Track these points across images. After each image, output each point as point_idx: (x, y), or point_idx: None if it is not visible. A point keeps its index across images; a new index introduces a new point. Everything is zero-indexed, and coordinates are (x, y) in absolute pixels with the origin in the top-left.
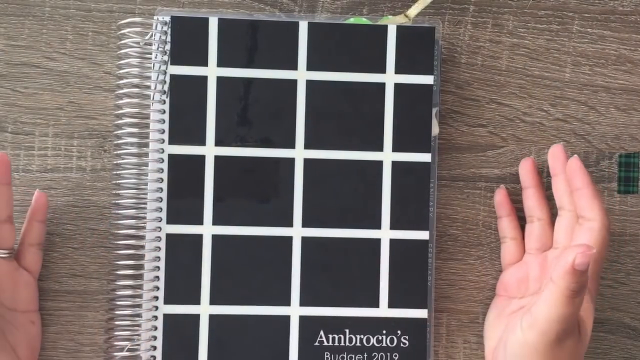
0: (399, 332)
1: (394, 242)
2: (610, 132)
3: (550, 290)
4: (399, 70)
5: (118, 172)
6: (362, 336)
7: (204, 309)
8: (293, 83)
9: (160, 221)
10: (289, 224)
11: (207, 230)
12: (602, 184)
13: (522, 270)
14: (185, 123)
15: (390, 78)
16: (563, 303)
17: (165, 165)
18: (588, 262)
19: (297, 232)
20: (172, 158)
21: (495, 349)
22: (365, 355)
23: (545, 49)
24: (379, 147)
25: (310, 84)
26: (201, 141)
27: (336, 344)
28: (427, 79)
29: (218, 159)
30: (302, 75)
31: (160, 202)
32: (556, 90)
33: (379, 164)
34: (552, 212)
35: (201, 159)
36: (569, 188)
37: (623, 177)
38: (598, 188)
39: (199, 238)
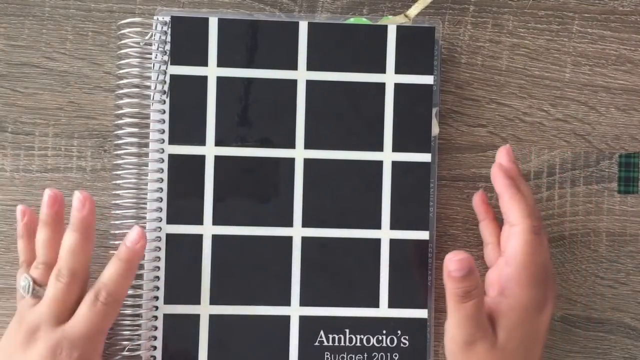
0: (399, 332)
1: (394, 242)
2: (610, 132)
3: (447, 296)
4: (399, 70)
5: (118, 172)
6: (362, 336)
7: (204, 309)
8: (293, 83)
9: (160, 221)
10: (289, 224)
11: (207, 230)
12: (602, 184)
13: (495, 272)
14: (185, 123)
15: (390, 78)
16: (454, 308)
17: (165, 165)
18: (456, 268)
19: (297, 232)
20: (172, 158)
21: None
22: (366, 355)
23: (545, 49)
24: (379, 147)
25: (310, 84)
26: (201, 141)
27: (336, 344)
28: (427, 79)
29: (218, 159)
30: (302, 75)
31: (161, 202)
32: (556, 90)
33: (379, 164)
34: None
35: (201, 159)
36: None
37: (623, 177)
38: (518, 191)
39: (199, 238)
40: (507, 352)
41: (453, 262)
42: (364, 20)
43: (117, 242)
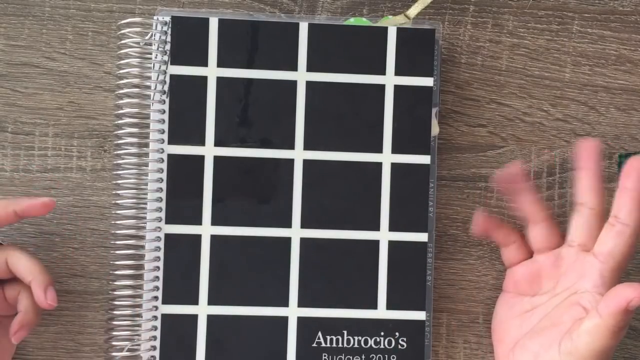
0: (397, 334)
1: (392, 244)
2: (610, 132)
3: (596, 323)
4: (398, 72)
5: (118, 172)
6: (360, 337)
7: (202, 309)
8: (293, 84)
9: (160, 221)
10: (288, 224)
11: (206, 230)
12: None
13: (534, 268)
14: (185, 123)
15: (390, 80)
16: (608, 337)
17: (164, 165)
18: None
19: (296, 233)
20: (172, 158)
21: (511, 352)
22: (363, 356)
23: (545, 49)
24: (379, 149)
25: (310, 85)
26: (201, 141)
27: (334, 345)
28: (427, 81)
29: (217, 159)
30: (302, 76)
31: (161, 202)
32: (556, 90)
33: (378, 165)
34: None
35: (200, 159)
36: (595, 184)
37: None
38: None
39: (197, 238)
40: None
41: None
42: (364, 21)
43: (117, 242)
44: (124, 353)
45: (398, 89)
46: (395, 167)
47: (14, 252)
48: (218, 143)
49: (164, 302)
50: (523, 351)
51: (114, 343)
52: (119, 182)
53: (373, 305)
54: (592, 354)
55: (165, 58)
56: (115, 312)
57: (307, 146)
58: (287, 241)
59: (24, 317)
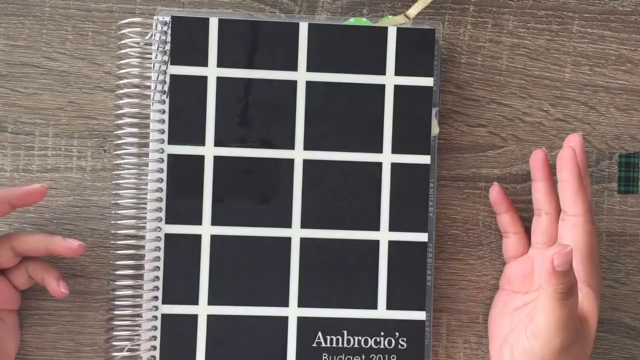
0: (397, 334)
1: (392, 244)
2: (610, 132)
3: (542, 296)
4: (398, 72)
5: (118, 172)
6: (360, 337)
7: (202, 309)
8: (293, 84)
9: (160, 221)
10: (288, 224)
11: (206, 230)
12: (602, 184)
13: (527, 265)
14: (185, 123)
15: (390, 80)
16: (556, 307)
17: (164, 165)
18: (567, 261)
19: (296, 233)
20: (172, 158)
21: (500, 349)
22: (363, 356)
23: (545, 49)
24: (379, 149)
25: (310, 85)
26: (201, 141)
27: (334, 345)
28: (427, 81)
29: (217, 159)
30: (302, 76)
31: (161, 202)
32: (556, 90)
33: (379, 165)
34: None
35: (200, 159)
36: (578, 191)
37: (623, 177)
38: (586, 182)
39: (197, 238)
40: (590, 345)
41: (562, 255)
42: (364, 21)
43: (117, 242)
44: (124, 353)
45: (398, 89)
46: (395, 167)
47: (17, 237)
48: (218, 143)
49: (164, 302)
50: (505, 346)
51: (114, 343)
52: (119, 182)
53: (373, 306)
54: (551, 331)
55: (165, 58)
56: (115, 312)
57: (307, 146)
58: (287, 241)
59: (51, 274)
